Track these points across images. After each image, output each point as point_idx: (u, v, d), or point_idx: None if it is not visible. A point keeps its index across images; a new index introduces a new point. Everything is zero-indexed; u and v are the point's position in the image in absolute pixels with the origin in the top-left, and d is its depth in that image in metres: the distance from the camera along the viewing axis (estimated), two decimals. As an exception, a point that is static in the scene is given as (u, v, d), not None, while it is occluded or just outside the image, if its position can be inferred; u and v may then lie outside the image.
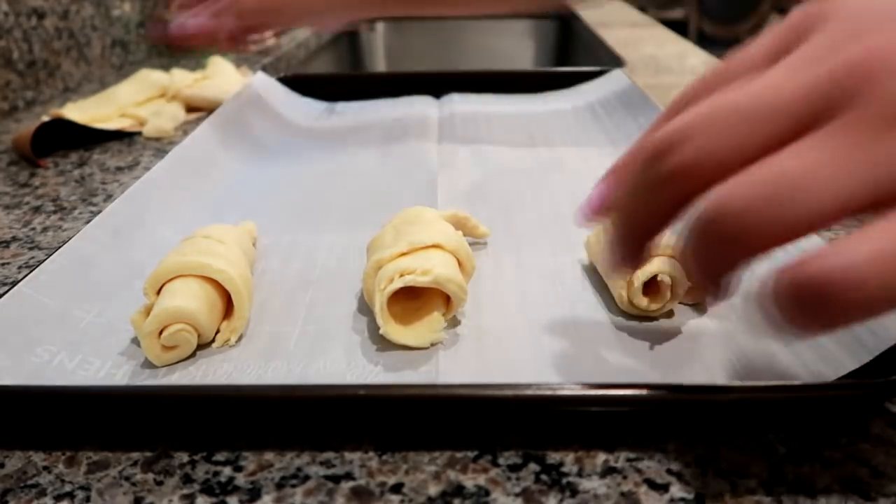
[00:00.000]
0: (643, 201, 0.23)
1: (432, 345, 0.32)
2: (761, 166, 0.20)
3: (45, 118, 0.66)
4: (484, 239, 0.43)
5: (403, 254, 0.33)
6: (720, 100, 0.21)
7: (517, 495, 0.25)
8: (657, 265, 0.34)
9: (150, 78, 0.80)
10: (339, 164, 0.57)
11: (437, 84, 0.73)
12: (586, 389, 0.27)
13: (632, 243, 0.24)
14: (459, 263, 0.35)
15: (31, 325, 0.33)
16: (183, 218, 0.47)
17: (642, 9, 1.69)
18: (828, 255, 0.18)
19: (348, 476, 0.26)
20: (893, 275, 0.18)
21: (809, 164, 0.19)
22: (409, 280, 0.32)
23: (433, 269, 0.32)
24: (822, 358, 0.30)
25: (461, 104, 0.73)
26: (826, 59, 0.20)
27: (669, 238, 0.35)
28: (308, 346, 0.33)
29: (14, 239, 0.47)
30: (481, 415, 0.28)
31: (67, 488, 0.26)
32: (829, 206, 0.19)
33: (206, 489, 0.26)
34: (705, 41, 1.90)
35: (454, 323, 0.34)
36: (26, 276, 0.36)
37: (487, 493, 0.25)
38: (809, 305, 0.18)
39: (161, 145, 0.67)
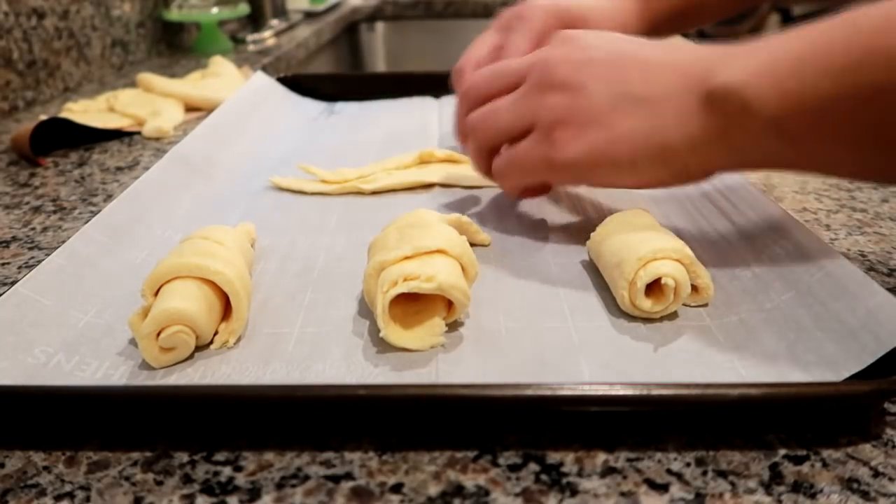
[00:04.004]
0: (456, 114, 0.46)
1: (432, 348, 0.32)
2: (490, 104, 0.42)
3: (44, 117, 0.66)
4: (485, 244, 0.43)
5: (407, 257, 0.33)
6: (488, 68, 0.44)
7: (517, 495, 0.25)
8: (662, 267, 0.34)
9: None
10: (339, 165, 0.57)
11: (437, 84, 0.73)
12: (586, 389, 0.27)
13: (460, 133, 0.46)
14: (463, 269, 0.35)
15: (29, 326, 0.33)
16: (181, 218, 0.47)
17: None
18: (497, 158, 0.42)
19: (348, 476, 0.26)
20: (514, 166, 0.41)
21: (502, 104, 0.41)
22: (413, 286, 0.32)
23: (437, 275, 0.32)
24: (823, 358, 0.30)
25: None
26: (532, 59, 0.41)
27: (675, 242, 0.35)
28: (307, 348, 0.33)
29: (14, 239, 0.47)
30: (481, 415, 0.28)
31: (67, 488, 0.26)
32: (503, 125, 0.41)
33: (206, 489, 0.26)
34: (705, 41, 1.90)
35: (455, 325, 0.34)
36: (25, 276, 0.36)
37: (487, 493, 0.25)
38: (498, 178, 0.43)
39: (161, 145, 0.67)
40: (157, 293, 0.33)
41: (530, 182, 0.42)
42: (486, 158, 0.43)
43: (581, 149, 0.37)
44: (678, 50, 0.37)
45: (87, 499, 0.25)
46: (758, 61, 0.32)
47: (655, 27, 0.60)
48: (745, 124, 0.32)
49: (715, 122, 0.33)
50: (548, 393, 0.27)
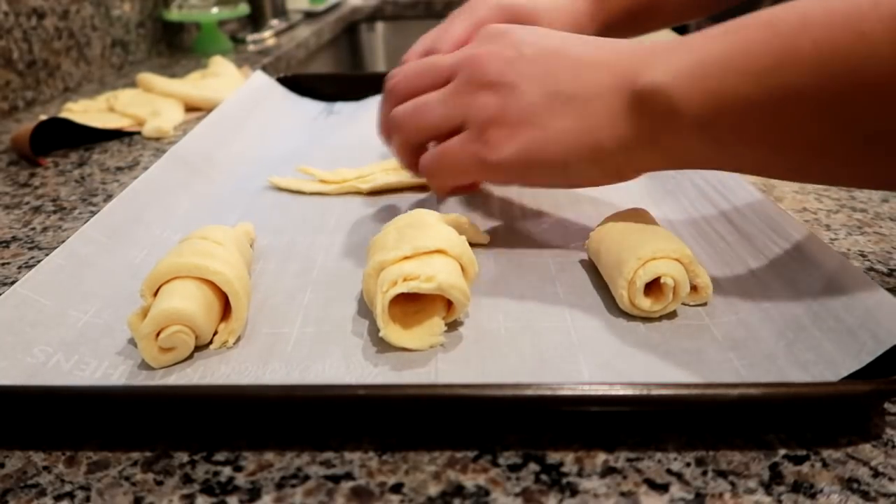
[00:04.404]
0: (381, 109, 0.45)
1: (431, 347, 0.32)
2: (418, 99, 0.40)
3: (44, 117, 0.66)
4: (484, 243, 0.43)
5: (407, 257, 0.33)
6: (417, 62, 0.43)
7: (517, 495, 0.25)
8: (661, 266, 0.34)
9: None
10: (338, 165, 0.57)
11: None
12: (586, 389, 0.27)
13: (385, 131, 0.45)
14: (462, 269, 0.35)
15: (28, 326, 0.33)
16: (180, 218, 0.47)
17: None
18: (425, 155, 0.41)
19: (348, 476, 0.26)
20: (444, 164, 0.40)
21: (431, 99, 0.40)
22: (413, 286, 0.32)
23: (437, 275, 0.32)
24: (823, 359, 0.30)
25: None
26: (461, 55, 0.40)
27: (674, 241, 0.35)
28: (306, 347, 0.33)
29: (14, 239, 0.47)
30: (481, 415, 0.28)
31: (67, 488, 0.26)
32: (432, 121, 0.39)
33: (206, 489, 0.26)
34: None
35: (454, 325, 0.34)
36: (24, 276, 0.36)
37: (487, 493, 0.25)
38: (427, 176, 0.41)
39: (160, 145, 0.67)
40: (156, 293, 0.33)
41: (461, 181, 0.41)
42: (411, 155, 0.42)
43: (513, 149, 0.36)
44: (609, 47, 0.36)
45: (87, 499, 0.25)
46: (682, 61, 0.32)
47: (609, 28, 0.59)
48: (672, 125, 0.32)
49: (643, 123, 0.33)
50: (548, 393, 0.27)
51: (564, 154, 0.35)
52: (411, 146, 0.42)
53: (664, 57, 0.33)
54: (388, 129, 0.43)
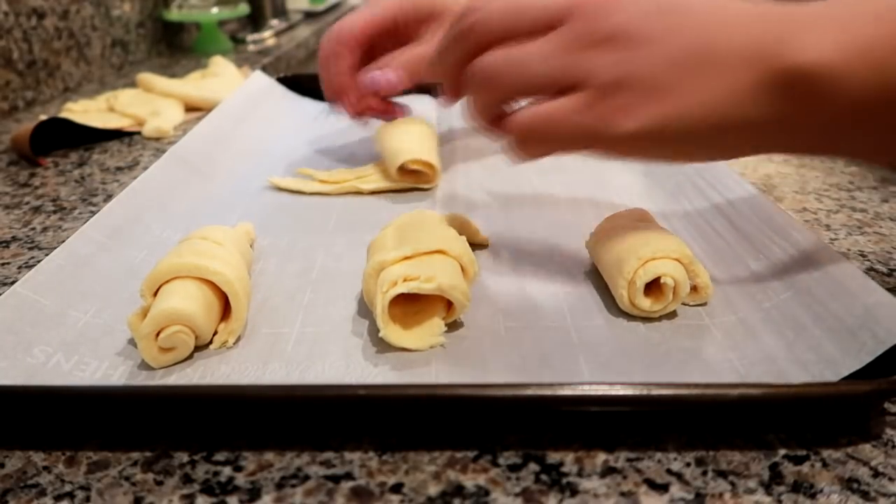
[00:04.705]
0: (449, 51, 0.35)
1: (431, 348, 0.32)
2: (511, 48, 0.33)
3: (44, 117, 0.66)
4: (484, 244, 0.43)
5: (407, 258, 0.33)
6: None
7: (517, 495, 0.25)
8: (661, 266, 0.33)
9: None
10: (338, 165, 0.57)
11: (436, 84, 0.73)
12: (586, 389, 0.27)
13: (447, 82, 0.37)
14: (463, 269, 0.35)
15: (28, 326, 0.33)
16: (180, 218, 0.47)
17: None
18: (520, 117, 0.33)
19: (348, 476, 0.26)
20: (547, 131, 0.32)
21: (533, 51, 0.32)
22: (413, 287, 0.32)
23: (437, 275, 0.32)
24: (823, 358, 0.30)
25: (460, 104, 0.73)
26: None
27: (674, 241, 0.35)
28: (306, 348, 0.33)
29: (14, 239, 0.47)
30: (481, 415, 0.28)
31: (67, 488, 0.26)
32: (534, 80, 0.32)
33: (206, 489, 0.26)
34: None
35: (455, 325, 0.34)
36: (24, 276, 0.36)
37: (487, 493, 0.25)
38: (519, 142, 0.34)
39: (160, 145, 0.67)
40: (156, 293, 0.33)
41: (561, 152, 0.34)
42: (494, 114, 0.34)
43: (642, 121, 0.30)
44: (750, 8, 0.31)
45: (87, 499, 0.25)
46: (845, 39, 0.27)
47: None
48: (824, 110, 0.28)
49: (787, 104, 0.29)
50: (548, 393, 0.27)
51: (695, 128, 0.30)
52: (497, 105, 0.34)
53: (816, 31, 0.28)
54: (458, 80, 0.35)
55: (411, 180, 0.52)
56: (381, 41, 0.54)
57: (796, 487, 0.25)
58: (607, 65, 0.30)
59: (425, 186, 0.52)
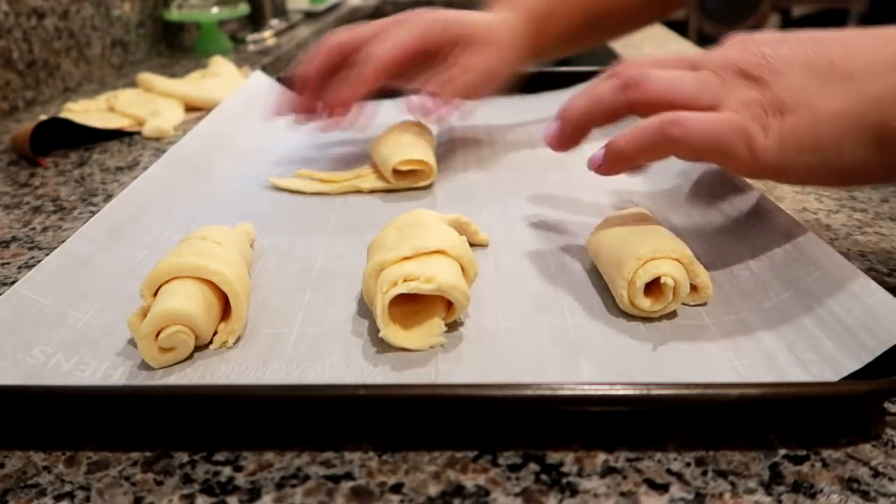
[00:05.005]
0: (600, 111, 0.39)
1: (431, 348, 0.32)
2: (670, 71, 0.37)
3: (44, 117, 0.66)
4: (484, 244, 0.43)
5: (407, 258, 0.33)
6: (655, 69, 0.38)
7: (517, 495, 0.25)
8: (661, 267, 0.33)
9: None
10: (338, 165, 0.57)
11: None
12: (586, 389, 0.27)
13: (579, 132, 0.40)
14: (463, 269, 0.35)
15: (28, 326, 0.33)
16: (180, 218, 0.47)
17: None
18: (672, 115, 0.35)
19: (348, 476, 0.26)
20: (639, 144, 0.36)
21: (686, 75, 0.37)
22: (412, 287, 0.32)
23: (437, 276, 0.32)
24: (823, 358, 0.30)
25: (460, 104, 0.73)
26: (700, 54, 0.38)
27: (674, 241, 0.35)
28: (306, 348, 0.33)
29: (14, 239, 0.47)
30: (481, 415, 0.28)
31: (67, 488, 0.26)
32: (686, 92, 0.36)
33: (206, 489, 0.26)
34: (706, 41, 1.90)
35: (455, 325, 0.34)
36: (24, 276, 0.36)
37: (487, 493, 0.25)
38: (609, 158, 0.37)
39: (161, 145, 0.67)
40: (155, 293, 0.33)
41: (707, 160, 0.37)
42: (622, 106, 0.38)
43: (782, 133, 0.33)
44: (883, 34, 0.34)
45: (87, 499, 0.25)
46: None
47: (542, 52, 0.61)
48: None
49: None
50: (548, 393, 0.27)
51: (840, 136, 0.32)
52: (644, 105, 0.37)
53: None
54: (619, 82, 0.38)
55: (409, 181, 0.52)
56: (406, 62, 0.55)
57: (796, 487, 0.25)
58: (747, 89, 0.35)
59: (423, 184, 0.52)
